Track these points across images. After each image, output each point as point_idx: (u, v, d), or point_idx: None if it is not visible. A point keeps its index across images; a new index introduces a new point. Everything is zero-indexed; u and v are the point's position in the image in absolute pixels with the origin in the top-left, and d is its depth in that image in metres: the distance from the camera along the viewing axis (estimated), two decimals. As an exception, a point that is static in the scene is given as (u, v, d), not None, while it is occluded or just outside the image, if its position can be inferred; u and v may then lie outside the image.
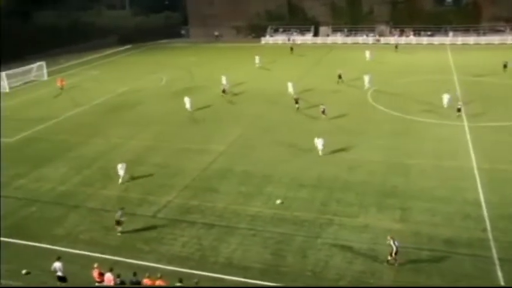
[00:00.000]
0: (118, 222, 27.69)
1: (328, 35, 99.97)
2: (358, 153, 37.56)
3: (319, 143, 37.05)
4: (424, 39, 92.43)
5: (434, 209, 28.76)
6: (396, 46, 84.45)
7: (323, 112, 45.45)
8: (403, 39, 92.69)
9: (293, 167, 35.65)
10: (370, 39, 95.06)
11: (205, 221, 28.67)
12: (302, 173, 34.41)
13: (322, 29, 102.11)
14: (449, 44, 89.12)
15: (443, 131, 41.14)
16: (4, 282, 23.99)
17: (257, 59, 74.07)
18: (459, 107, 44.47)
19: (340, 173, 34.18)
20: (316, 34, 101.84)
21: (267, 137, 42.18)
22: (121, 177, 34.24)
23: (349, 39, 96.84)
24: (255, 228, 27.65)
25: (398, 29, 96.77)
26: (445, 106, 46.77)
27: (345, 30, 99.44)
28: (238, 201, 30.90)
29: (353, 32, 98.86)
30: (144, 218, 29.34)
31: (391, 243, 23.40)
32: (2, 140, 44.80)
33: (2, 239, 27.85)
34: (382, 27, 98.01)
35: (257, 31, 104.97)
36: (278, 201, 30.23)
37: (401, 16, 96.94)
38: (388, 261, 23.70)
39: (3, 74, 65.73)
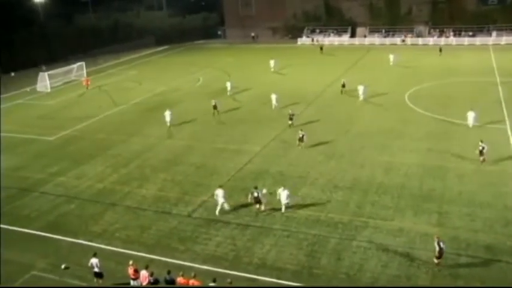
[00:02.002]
0: (257, 200, 29.04)
1: (365, 36, 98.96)
2: (394, 156, 37.06)
3: (283, 195, 29.08)
4: (465, 40, 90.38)
5: (473, 214, 28.09)
6: (440, 49, 79.21)
7: (301, 139, 38.96)
8: (442, 40, 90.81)
9: (328, 168, 35.44)
10: (408, 39, 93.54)
11: (239, 221, 28.75)
12: (337, 175, 34.17)
13: (359, 30, 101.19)
14: (492, 44, 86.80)
15: (484, 135, 40.04)
16: (45, 275, 24.66)
17: (272, 63, 71.69)
18: (481, 148, 34.45)
19: (376, 176, 33.79)
20: (353, 35, 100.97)
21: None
22: (220, 205, 29.39)
23: (387, 40, 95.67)
24: (289, 229, 27.60)
25: (437, 30, 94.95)
26: (470, 126, 41.79)
27: (383, 31, 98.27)
28: (272, 202, 30.80)
29: (391, 33, 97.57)
30: (179, 217, 29.67)
31: (435, 243, 22.97)
32: (43, 138, 46.20)
33: (43, 234, 28.75)
34: (421, 28, 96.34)
35: (294, 32, 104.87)
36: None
37: (441, 16, 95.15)
38: (437, 264, 23.24)
39: (46, 74, 67.64)
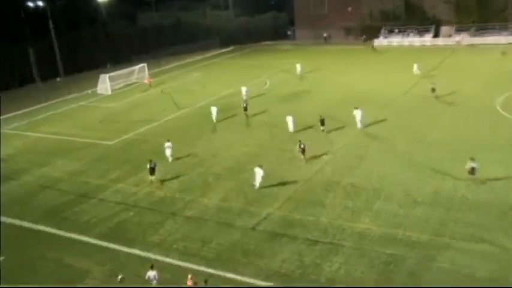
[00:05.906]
0: (152, 171, 36.39)
1: (450, 36, 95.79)
2: (480, 167, 35.36)
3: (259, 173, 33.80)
4: None
5: None
6: (503, 53, 73.00)
7: (303, 151, 38.53)
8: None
9: (406, 180, 34.44)
10: (502, 39, 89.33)
11: (307, 236, 28.48)
12: (416, 188, 33.15)
13: (444, 29, 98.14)
14: None
15: None
16: (100, 285, 25.42)
17: (298, 67, 71.96)
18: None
19: (459, 190, 32.46)
20: (436, 35, 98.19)
21: (376, 146, 41.17)
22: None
23: (476, 40, 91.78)
24: (361, 247, 27.02)
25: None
26: None
27: (471, 29, 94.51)
28: (344, 216, 30.33)
29: (480, 32, 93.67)
30: (243, 230, 29.71)
31: None
32: (103, 142, 47.89)
33: (100, 241, 29.69)
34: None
35: (369, 32, 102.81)
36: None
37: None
38: None
39: (106, 76, 70.14)
